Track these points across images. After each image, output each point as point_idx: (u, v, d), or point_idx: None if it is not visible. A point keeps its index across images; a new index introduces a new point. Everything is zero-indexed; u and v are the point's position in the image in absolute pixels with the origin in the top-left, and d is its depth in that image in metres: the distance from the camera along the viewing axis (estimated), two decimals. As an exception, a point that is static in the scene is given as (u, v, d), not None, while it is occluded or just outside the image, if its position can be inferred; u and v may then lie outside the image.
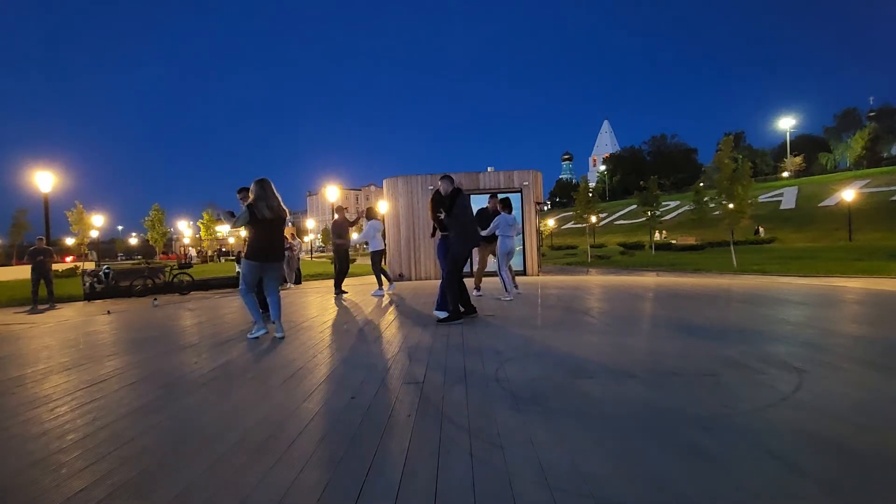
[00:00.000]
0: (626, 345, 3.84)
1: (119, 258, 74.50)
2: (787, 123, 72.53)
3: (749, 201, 16.58)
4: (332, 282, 9.45)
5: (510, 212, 6.93)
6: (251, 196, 4.48)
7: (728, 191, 16.54)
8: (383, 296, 8.04)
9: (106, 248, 73.24)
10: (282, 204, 4.55)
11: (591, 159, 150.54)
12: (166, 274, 13.34)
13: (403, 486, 1.68)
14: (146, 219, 50.17)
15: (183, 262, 30.92)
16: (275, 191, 4.52)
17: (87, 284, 12.02)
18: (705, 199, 21.41)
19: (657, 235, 32.24)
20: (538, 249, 13.92)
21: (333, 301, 7.63)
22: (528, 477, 1.71)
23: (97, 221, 38.34)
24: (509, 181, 12.84)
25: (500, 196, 7.30)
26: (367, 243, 8.44)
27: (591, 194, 31.76)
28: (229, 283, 13.75)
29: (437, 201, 5.25)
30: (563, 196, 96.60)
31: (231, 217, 4.50)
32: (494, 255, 7.10)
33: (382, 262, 8.76)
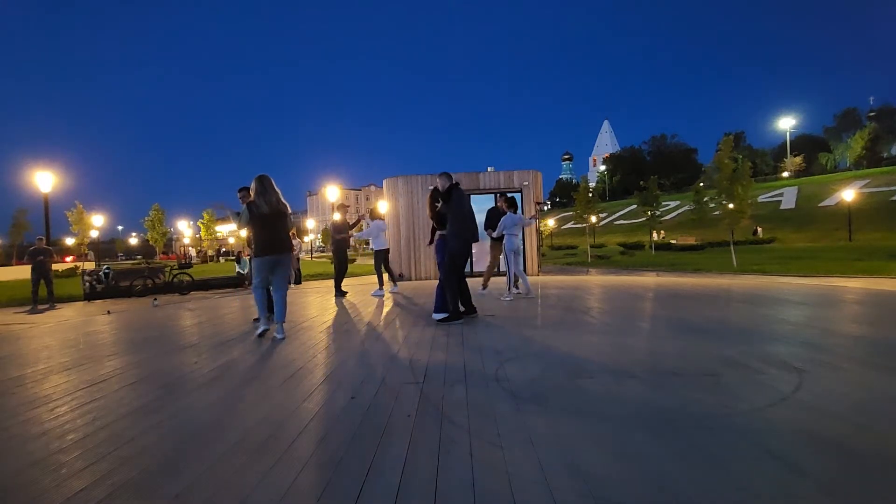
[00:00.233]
0: (626, 345, 3.84)
1: (119, 258, 74.51)
2: (787, 123, 72.62)
3: (749, 201, 16.59)
4: (332, 282, 9.43)
5: (516, 211, 7.07)
6: (251, 194, 4.50)
7: (728, 191, 16.55)
8: (383, 296, 8.03)
9: (106, 248, 73.19)
10: (281, 199, 4.54)
11: (591, 159, 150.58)
12: (166, 274, 13.35)
13: (403, 486, 1.68)
14: (146, 219, 50.15)
15: (183, 262, 30.95)
16: (274, 186, 4.53)
17: (87, 284, 12.02)
18: (705, 199, 21.44)
19: (655, 235, 32.24)
20: (538, 249, 13.92)
21: (333, 301, 7.63)
22: (528, 477, 1.71)
23: (97, 221, 38.34)
24: (509, 181, 12.84)
25: (508, 195, 7.42)
26: (367, 242, 8.44)
27: (591, 194, 31.79)
28: (229, 283, 13.76)
29: (435, 196, 5.40)
30: (563, 196, 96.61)
31: (237, 217, 4.53)
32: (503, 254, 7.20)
33: (388, 262, 8.72)
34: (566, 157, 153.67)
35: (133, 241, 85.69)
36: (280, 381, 3.10)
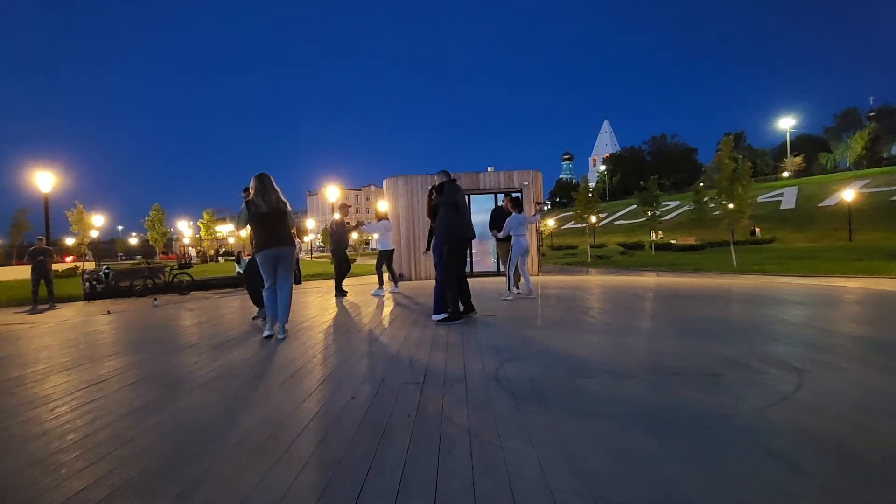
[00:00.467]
0: (626, 345, 3.84)
1: (119, 258, 74.51)
2: (787, 123, 72.65)
3: (749, 201, 16.60)
4: (332, 282, 9.41)
5: (520, 211, 7.07)
6: (251, 192, 4.49)
7: (728, 191, 16.56)
8: (383, 296, 8.03)
9: (106, 248, 73.17)
10: (281, 197, 4.52)
11: (591, 159, 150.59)
12: (166, 274, 13.35)
13: (403, 486, 1.68)
14: (146, 219, 50.12)
15: (183, 262, 30.94)
16: (274, 184, 4.51)
17: (87, 284, 12.02)
18: (705, 199, 21.42)
19: (653, 235, 32.26)
20: (538, 249, 13.93)
21: (333, 301, 7.63)
22: (528, 477, 1.71)
23: (97, 221, 38.32)
24: (509, 181, 12.84)
25: (514, 196, 7.44)
26: (367, 242, 8.43)
27: (591, 194, 31.80)
28: (229, 283, 13.76)
29: (432, 191, 5.40)
30: (563, 196, 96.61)
31: (236, 217, 4.52)
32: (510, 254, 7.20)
33: (391, 263, 8.70)
34: (566, 157, 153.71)
35: (133, 241, 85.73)
36: (280, 381, 3.10)
